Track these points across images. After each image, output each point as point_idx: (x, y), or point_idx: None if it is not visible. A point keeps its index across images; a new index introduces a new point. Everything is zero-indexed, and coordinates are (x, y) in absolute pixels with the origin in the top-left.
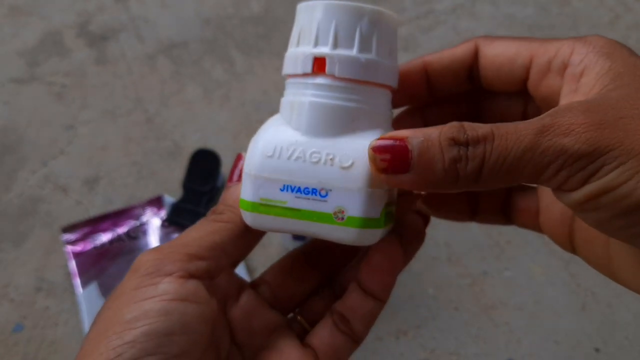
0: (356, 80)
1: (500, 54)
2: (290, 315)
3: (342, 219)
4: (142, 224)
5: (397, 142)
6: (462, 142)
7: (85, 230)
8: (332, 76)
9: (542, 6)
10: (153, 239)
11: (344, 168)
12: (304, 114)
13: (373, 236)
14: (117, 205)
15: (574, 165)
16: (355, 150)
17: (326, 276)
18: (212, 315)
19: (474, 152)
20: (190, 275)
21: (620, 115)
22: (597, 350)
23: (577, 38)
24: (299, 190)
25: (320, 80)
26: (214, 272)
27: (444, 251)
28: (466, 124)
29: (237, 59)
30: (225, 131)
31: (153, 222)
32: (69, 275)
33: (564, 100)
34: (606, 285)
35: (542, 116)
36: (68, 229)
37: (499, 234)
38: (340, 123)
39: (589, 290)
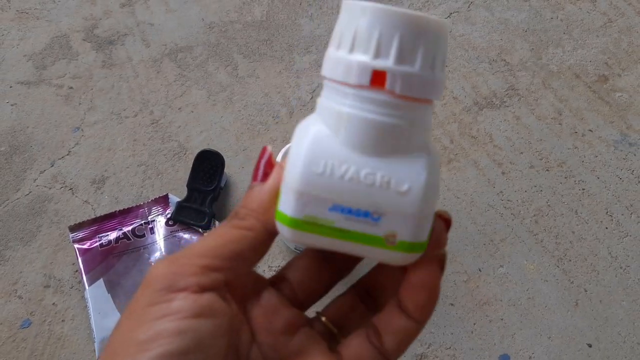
0: (416, 98)
1: None
2: (314, 315)
3: (394, 243)
4: (148, 223)
5: None
6: None
7: (92, 228)
8: (392, 93)
9: (536, 11)
10: (158, 237)
11: (400, 193)
12: (358, 130)
13: (416, 257)
14: (123, 204)
15: None
16: (411, 173)
17: (343, 270)
18: (229, 325)
19: None
20: (205, 289)
21: None
22: (589, 345)
23: None
24: (349, 211)
25: (378, 95)
26: (231, 281)
27: None
28: None
29: (240, 63)
30: (229, 132)
31: (158, 220)
32: (76, 272)
33: None
34: (598, 282)
35: None
36: (75, 227)
37: (493, 232)
38: (394, 142)
39: (582, 287)
